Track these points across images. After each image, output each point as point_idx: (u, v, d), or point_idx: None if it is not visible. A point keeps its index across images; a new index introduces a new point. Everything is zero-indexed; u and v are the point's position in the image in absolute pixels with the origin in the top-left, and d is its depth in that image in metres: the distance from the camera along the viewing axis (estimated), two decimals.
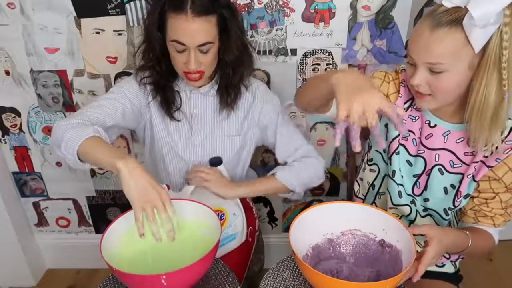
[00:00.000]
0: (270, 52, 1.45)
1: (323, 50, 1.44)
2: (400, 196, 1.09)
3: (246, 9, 1.37)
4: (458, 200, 1.02)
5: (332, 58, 1.45)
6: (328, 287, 0.84)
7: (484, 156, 0.97)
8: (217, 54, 1.13)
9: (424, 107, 0.99)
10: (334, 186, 1.72)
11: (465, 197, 1.02)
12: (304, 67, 1.47)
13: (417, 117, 1.06)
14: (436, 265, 1.17)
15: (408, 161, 1.08)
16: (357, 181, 1.26)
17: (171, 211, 0.90)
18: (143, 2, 1.37)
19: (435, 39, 0.85)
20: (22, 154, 1.71)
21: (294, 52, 1.45)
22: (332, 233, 1.02)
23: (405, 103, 1.06)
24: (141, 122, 1.25)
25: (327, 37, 1.41)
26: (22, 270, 1.85)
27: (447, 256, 1.15)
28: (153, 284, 0.84)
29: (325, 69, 1.47)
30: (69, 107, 1.59)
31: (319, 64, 1.47)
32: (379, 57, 1.45)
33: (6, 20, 1.43)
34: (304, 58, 1.45)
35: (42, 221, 1.87)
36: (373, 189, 1.20)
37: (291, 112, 1.55)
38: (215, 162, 1.22)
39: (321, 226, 1.00)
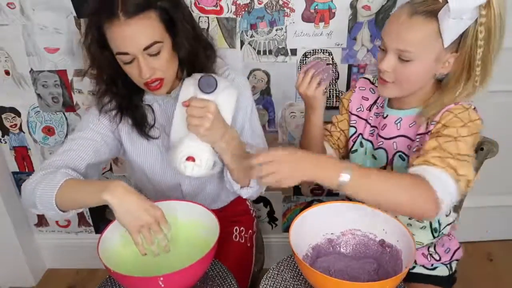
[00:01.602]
0: (270, 52, 1.44)
1: (323, 50, 1.44)
2: None
3: (246, 9, 1.37)
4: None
5: (332, 58, 1.45)
6: (328, 287, 0.84)
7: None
8: (175, 53, 1.00)
9: (385, 95, 1.02)
10: None
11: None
12: None
13: (380, 114, 1.10)
14: (427, 268, 1.14)
15: (373, 156, 1.11)
16: None
17: (166, 228, 0.91)
18: None
19: (408, 26, 0.89)
20: (22, 154, 1.70)
21: (294, 52, 1.44)
22: (332, 233, 1.02)
23: (371, 105, 1.13)
24: (121, 149, 1.16)
25: (327, 37, 1.41)
26: (22, 270, 1.85)
27: (437, 258, 1.14)
28: (151, 285, 0.84)
29: None
30: (69, 107, 1.59)
31: None
32: None
33: (6, 20, 1.42)
34: (304, 58, 1.45)
35: (42, 221, 1.87)
36: None
37: (291, 112, 1.55)
38: (208, 83, 0.92)
39: (321, 226, 1.00)
